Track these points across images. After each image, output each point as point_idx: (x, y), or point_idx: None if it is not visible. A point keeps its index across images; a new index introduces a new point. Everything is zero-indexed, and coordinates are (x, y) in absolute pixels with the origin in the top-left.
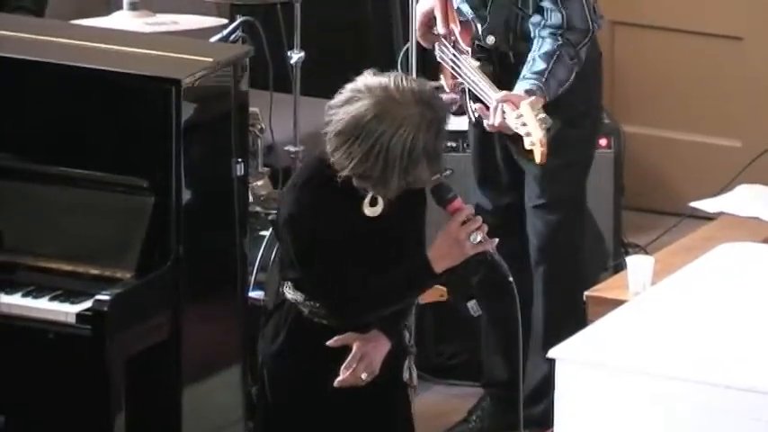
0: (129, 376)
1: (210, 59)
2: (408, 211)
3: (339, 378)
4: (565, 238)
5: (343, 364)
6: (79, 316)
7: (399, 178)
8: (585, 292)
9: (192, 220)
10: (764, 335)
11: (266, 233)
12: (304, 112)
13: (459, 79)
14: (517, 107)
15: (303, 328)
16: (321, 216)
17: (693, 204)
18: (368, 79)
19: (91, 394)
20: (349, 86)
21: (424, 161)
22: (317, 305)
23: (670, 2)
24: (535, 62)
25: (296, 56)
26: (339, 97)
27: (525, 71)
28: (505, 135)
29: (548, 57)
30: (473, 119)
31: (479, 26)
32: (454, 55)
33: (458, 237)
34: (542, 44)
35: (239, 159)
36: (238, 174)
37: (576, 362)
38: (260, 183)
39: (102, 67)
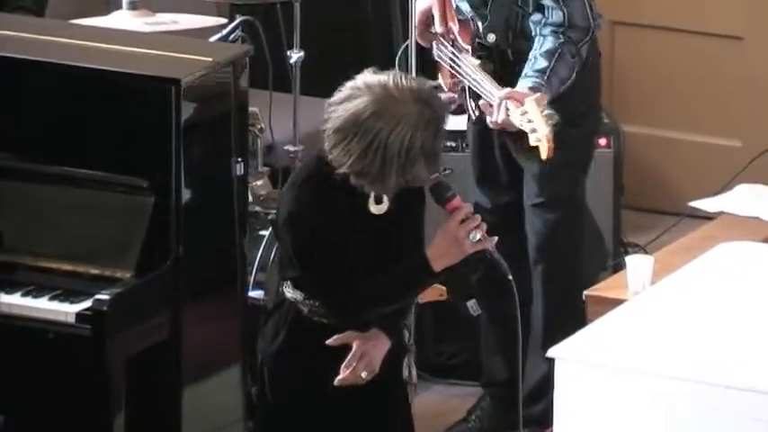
0: (129, 376)
1: (210, 59)
2: (407, 209)
3: (339, 377)
4: (563, 236)
5: (344, 363)
6: (79, 316)
7: (397, 176)
8: (585, 292)
9: (191, 219)
10: (764, 335)
11: (266, 233)
12: (304, 112)
13: (459, 78)
14: (521, 104)
15: (303, 327)
16: (320, 215)
17: (693, 204)
18: (367, 77)
19: (91, 394)
20: (349, 84)
21: (421, 159)
22: (317, 304)
23: (670, 2)
24: (537, 60)
25: (296, 55)
26: (339, 95)
27: (527, 69)
28: (504, 134)
29: (549, 55)
30: (473, 116)
31: (480, 24)
32: (453, 53)
33: (457, 235)
34: (544, 42)
35: (239, 159)
36: (238, 173)
37: (575, 361)
38: (260, 182)
39: (102, 67)
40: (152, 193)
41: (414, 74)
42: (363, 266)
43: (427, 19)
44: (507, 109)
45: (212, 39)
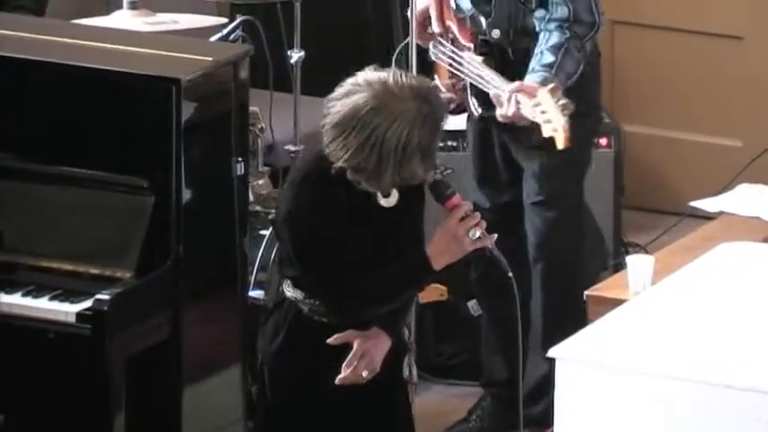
0: (129, 376)
1: (210, 59)
2: (407, 207)
3: (340, 376)
4: (563, 235)
5: (345, 362)
6: (79, 315)
7: (393, 172)
8: (586, 292)
9: (191, 219)
10: (764, 335)
11: (266, 232)
12: (304, 112)
13: (462, 75)
14: (533, 96)
15: (303, 326)
16: (320, 212)
17: (693, 204)
18: (368, 74)
19: (91, 394)
20: (349, 81)
21: (417, 157)
22: (317, 303)
23: (670, 2)
24: (543, 55)
25: (296, 55)
26: (339, 90)
27: (534, 64)
28: (505, 132)
29: (556, 49)
30: (475, 114)
31: (483, 21)
32: (453, 52)
33: (456, 233)
34: (549, 37)
35: (239, 159)
36: (238, 173)
37: (575, 361)
38: (260, 182)
39: (103, 67)
40: (152, 192)
41: (414, 73)
42: (363, 263)
43: (424, 20)
44: (518, 102)
45: (213, 38)
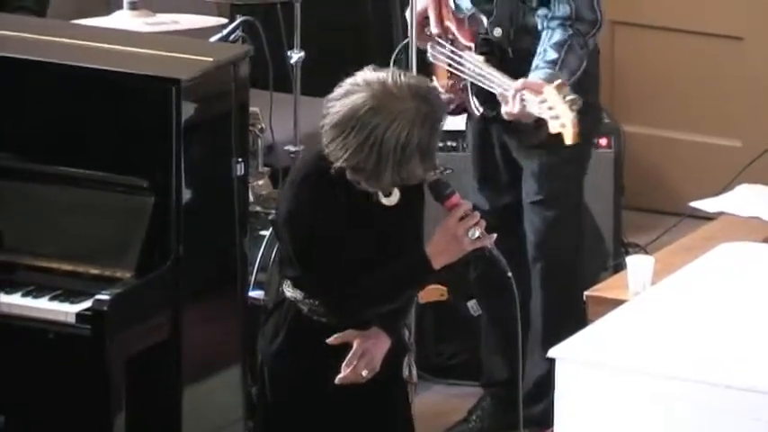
0: (129, 376)
1: (210, 59)
2: (406, 207)
3: (340, 375)
4: (562, 234)
5: (344, 361)
6: (79, 316)
7: (392, 172)
8: (586, 292)
9: (191, 219)
10: (764, 335)
11: (266, 233)
12: (304, 112)
13: (462, 75)
14: (539, 93)
15: (302, 326)
16: (320, 212)
17: (693, 204)
18: (366, 74)
19: (91, 394)
20: (348, 81)
21: (417, 156)
22: (317, 303)
23: (670, 2)
24: (547, 52)
25: (296, 56)
26: (338, 90)
27: (538, 61)
28: (504, 131)
29: (559, 46)
30: (477, 114)
31: (485, 19)
32: (452, 52)
33: (456, 232)
34: (552, 35)
35: (239, 159)
36: (238, 173)
37: (575, 361)
38: (260, 182)
39: (103, 67)
40: (152, 193)
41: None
42: (363, 263)
43: (423, 21)
44: (523, 99)
45: (213, 39)
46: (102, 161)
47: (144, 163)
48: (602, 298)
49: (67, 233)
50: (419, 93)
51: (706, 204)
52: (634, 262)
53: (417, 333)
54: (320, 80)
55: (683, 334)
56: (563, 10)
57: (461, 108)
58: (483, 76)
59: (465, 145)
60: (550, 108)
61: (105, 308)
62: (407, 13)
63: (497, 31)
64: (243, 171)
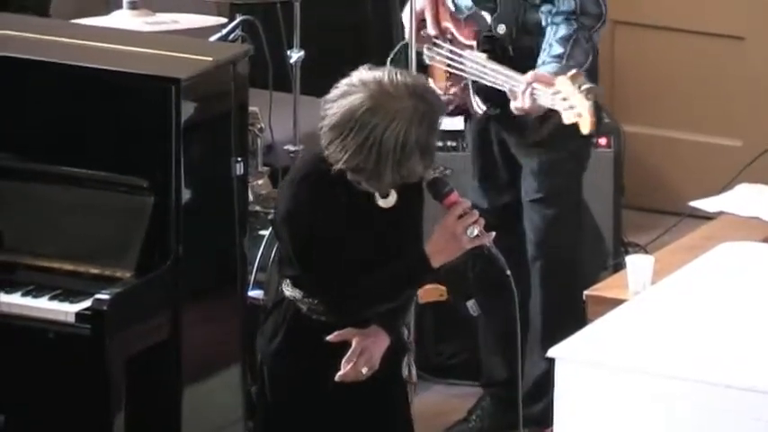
0: (129, 376)
1: (210, 59)
2: (405, 206)
3: (340, 372)
4: (562, 232)
5: (344, 358)
6: (79, 315)
7: (393, 171)
8: (585, 292)
9: (191, 219)
10: (764, 335)
11: (266, 232)
12: (304, 112)
13: (464, 75)
14: (551, 85)
15: (302, 325)
16: (318, 212)
17: (693, 204)
18: (363, 74)
19: (91, 394)
20: (344, 81)
21: (417, 154)
22: (316, 302)
23: (670, 2)
24: (552, 47)
25: (296, 55)
26: (334, 91)
27: (544, 56)
28: (504, 130)
29: (564, 41)
30: (479, 112)
31: (489, 17)
32: (451, 52)
33: (455, 231)
34: (557, 30)
35: (239, 159)
36: (238, 173)
37: (575, 361)
38: (260, 182)
39: (102, 67)
40: (152, 192)
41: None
42: (362, 263)
43: (420, 22)
44: (533, 93)
45: (212, 38)
46: (102, 161)
47: (144, 163)
48: (602, 297)
49: (67, 233)
50: (416, 91)
51: (706, 204)
52: (634, 261)
53: (417, 333)
54: (320, 80)
55: (683, 334)
56: (567, 5)
57: (460, 110)
58: (487, 74)
59: (465, 145)
60: (564, 99)
61: (105, 307)
62: (404, 15)
63: (501, 28)
64: (242, 171)
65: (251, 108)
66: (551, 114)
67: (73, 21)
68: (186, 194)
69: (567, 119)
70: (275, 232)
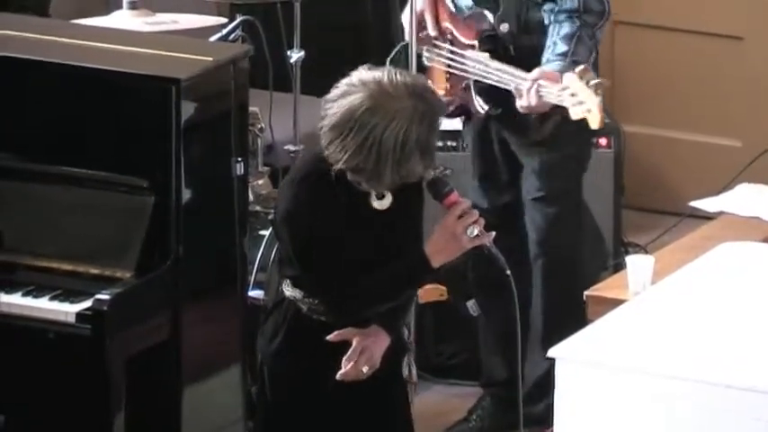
0: (129, 376)
1: (210, 59)
2: (405, 206)
3: (341, 371)
4: (563, 231)
5: (345, 357)
6: (79, 315)
7: (393, 171)
8: (585, 292)
9: (191, 219)
10: (764, 335)
11: (266, 233)
12: (304, 112)
13: (466, 75)
14: (557, 81)
15: (302, 325)
16: (319, 212)
17: (693, 204)
18: (362, 74)
19: (91, 394)
20: (344, 81)
21: (416, 154)
22: (316, 302)
23: (670, 2)
24: (557, 45)
25: (296, 55)
26: (334, 92)
27: (548, 54)
28: (505, 129)
29: (568, 39)
30: (481, 112)
31: (491, 16)
32: (452, 52)
33: (454, 231)
34: (560, 28)
35: (239, 159)
36: (238, 173)
37: (575, 361)
38: (260, 182)
39: (102, 67)
40: (152, 192)
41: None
42: (362, 263)
43: (419, 24)
44: (539, 90)
45: (212, 38)
46: (102, 161)
47: (144, 163)
48: (602, 298)
49: (67, 233)
50: (416, 91)
51: (706, 204)
52: (634, 261)
53: (417, 333)
54: (320, 80)
55: (683, 334)
56: (570, 3)
57: (460, 111)
58: (491, 73)
59: (465, 145)
60: (573, 95)
61: (105, 308)
62: (404, 17)
63: (504, 27)
64: (243, 171)
65: (251, 108)
66: (552, 113)
67: (73, 21)
68: (186, 194)
69: (575, 114)
70: (275, 232)
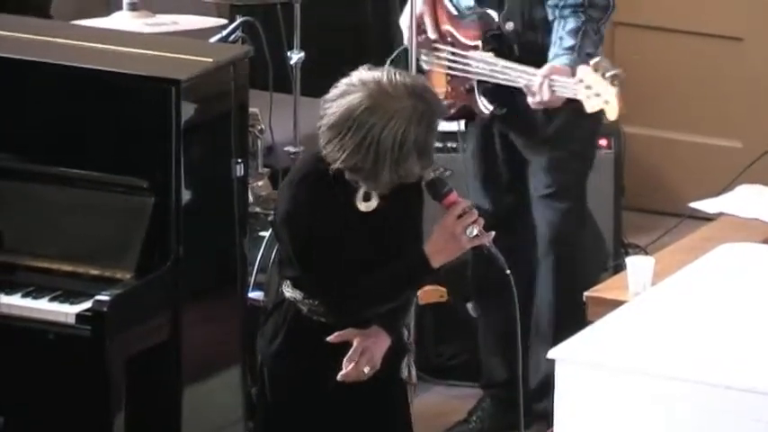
0: (129, 376)
1: (210, 60)
2: (404, 206)
3: (342, 372)
4: (574, 226)
5: (345, 358)
6: (79, 316)
7: (390, 171)
8: (585, 293)
9: (191, 220)
10: (764, 335)
11: (266, 234)
12: (304, 113)
13: (469, 76)
14: (570, 75)
15: (302, 326)
16: (318, 213)
17: (693, 205)
18: (362, 74)
19: (91, 394)
20: (343, 81)
21: (414, 154)
22: (316, 303)
23: (670, 2)
24: (563, 40)
25: (296, 56)
26: (334, 91)
27: (556, 49)
28: (510, 129)
29: (574, 33)
30: (486, 112)
31: (496, 15)
32: (453, 54)
33: (454, 231)
34: (566, 23)
35: (239, 160)
36: (238, 174)
37: (575, 362)
38: (260, 183)
39: (102, 68)
40: (152, 193)
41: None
42: (362, 263)
43: (418, 27)
44: (552, 85)
45: (212, 39)
46: (102, 162)
47: (144, 163)
48: (602, 299)
49: (67, 234)
50: (415, 91)
51: (706, 205)
52: (634, 263)
53: (417, 334)
54: (320, 81)
55: (683, 334)
56: None
57: (461, 113)
58: (498, 72)
59: (465, 146)
60: (588, 87)
61: (105, 308)
62: (402, 20)
63: (510, 25)
64: (242, 172)
65: (251, 109)
66: (559, 111)
67: (73, 22)
68: (186, 195)
69: (591, 107)
70: (275, 233)
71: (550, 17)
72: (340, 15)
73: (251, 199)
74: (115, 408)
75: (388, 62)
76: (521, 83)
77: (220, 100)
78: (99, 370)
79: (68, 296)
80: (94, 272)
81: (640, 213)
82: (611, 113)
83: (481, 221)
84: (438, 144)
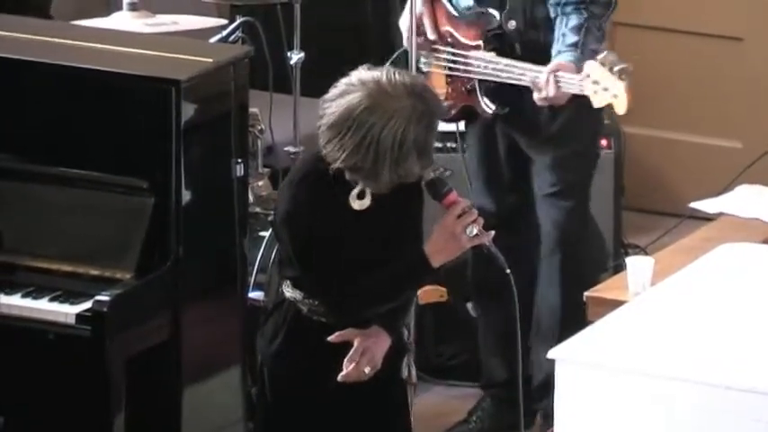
0: (129, 376)
1: (210, 60)
2: (404, 206)
3: (343, 372)
4: (578, 225)
5: (346, 358)
6: (79, 316)
7: (390, 171)
8: (585, 293)
9: (191, 220)
10: (764, 335)
11: (266, 234)
12: (304, 113)
13: (471, 76)
14: (576, 71)
15: (302, 326)
16: (318, 213)
17: (693, 205)
18: (361, 73)
19: (91, 394)
20: (343, 81)
21: (414, 154)
22: (316, 303)
23: (670, 2)
24: (566, 36)
25: (296, 56)
26: (333, 91)
27: (559, 46)
28: (513, 129)
29: (577, 30)
30: (488, 111)
31: (497, 14)
32: (454, 55)
33: (454, 230)
34: (568, 20)
35: (239, 160)
36: (238, 174)
37: (575, 362)
38: (260, 183)
39: (102, 68)
40: (152, 193)
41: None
42: (362, 263)
43: (417, 29)
44: (558, 81)
45: (212, 40)
46: (102, 162)
47: (144, 164)
48: (602, 299)
49: (67, 234)
50: (414, 90)
51: (706, 205)
52: (634, 263)
53: (417, 334)
54: (320, 81)
55: (683, 335)
56: None
57: (462, 114)
58: (502, 71)
59: (465, 147)
60: (596, 82)
61: (105, 309)
62: (401, 22)
63: (512, 24)
64: (242, 172)
65: (251, 109)
66: (563, 109)
67: (73, 22)
68: (186, 195)
69: (598, 102)
70: (275, 233)
71: (552, 15)
72: (340, 15)
73: (251, 199)
74: (115, 408)
75: (388, 64)
76: (525, 80)
77: (220, 100)
78: (99, 370)
79: (68, 296)
80: (94, 272)
81: (640, 213)
82: (620, 107)
83: (481, 221)
84: (438, 144)
